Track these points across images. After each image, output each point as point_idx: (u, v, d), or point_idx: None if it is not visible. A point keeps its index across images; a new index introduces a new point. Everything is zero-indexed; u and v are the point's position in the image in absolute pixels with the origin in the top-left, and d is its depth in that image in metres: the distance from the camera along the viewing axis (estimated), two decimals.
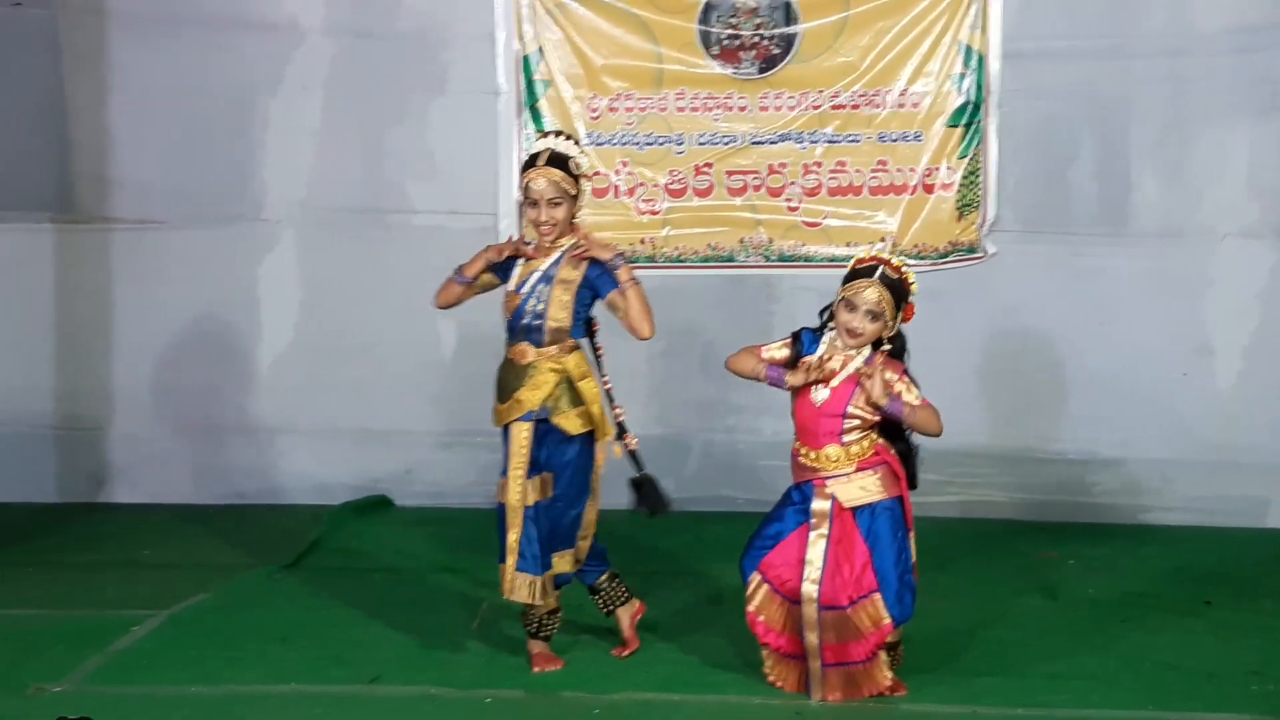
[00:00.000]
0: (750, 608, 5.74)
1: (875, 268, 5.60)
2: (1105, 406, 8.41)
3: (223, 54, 8.74)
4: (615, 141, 8.62)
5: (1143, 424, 8.38)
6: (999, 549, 7.89)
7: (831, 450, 5.64)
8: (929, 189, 8.48)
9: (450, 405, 8.75)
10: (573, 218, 6.06)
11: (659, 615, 6.67)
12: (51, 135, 8.86)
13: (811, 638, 5.58)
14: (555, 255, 6.01)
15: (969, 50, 8.39)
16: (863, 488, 5.65)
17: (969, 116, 8.43)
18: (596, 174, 8.61)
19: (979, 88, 8.41)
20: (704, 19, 8.52)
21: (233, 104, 8.77)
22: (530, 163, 6.01)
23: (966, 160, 8.45)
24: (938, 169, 8.47)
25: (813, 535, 5.62)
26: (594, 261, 6.00)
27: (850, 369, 5.61)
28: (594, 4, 8.54)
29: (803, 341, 5.74)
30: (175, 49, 8.74)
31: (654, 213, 8.63)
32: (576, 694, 5.77)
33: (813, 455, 5.68)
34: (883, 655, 5.66)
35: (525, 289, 5.96)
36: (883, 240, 8.35)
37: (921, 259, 8.34)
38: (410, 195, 8.69)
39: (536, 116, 8.61)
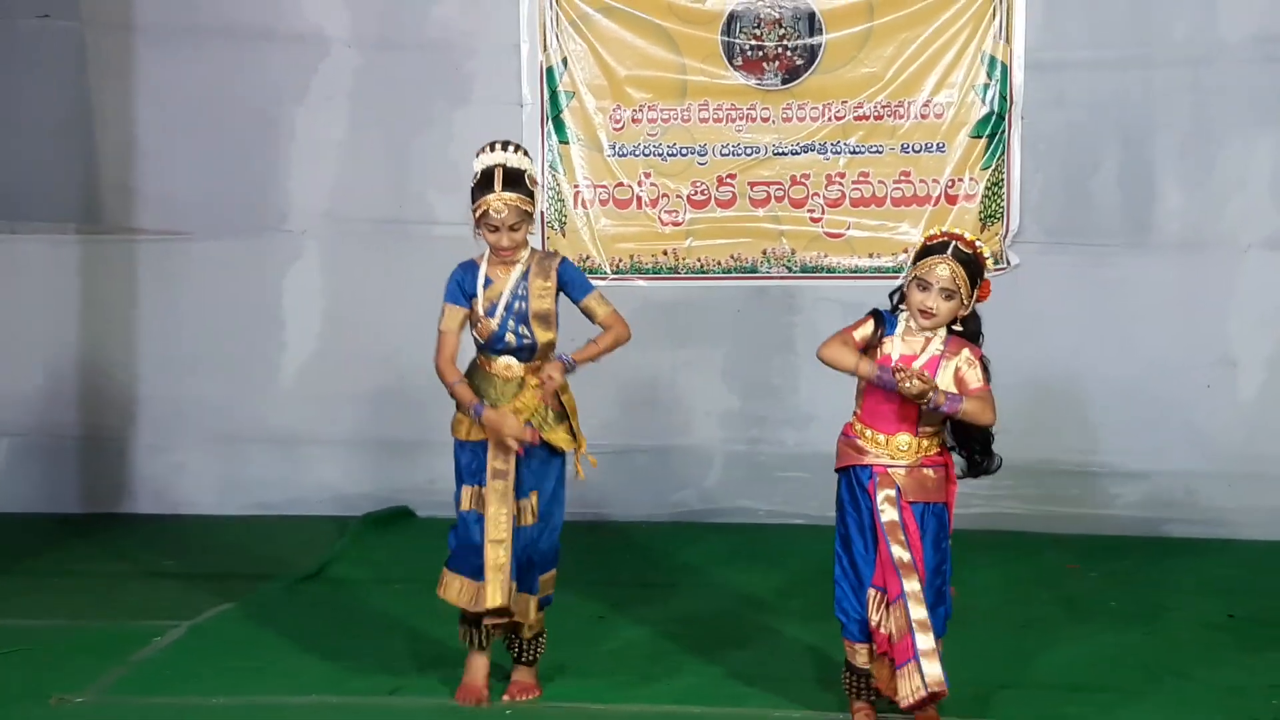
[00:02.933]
0: (874, 625, 5.30)
1: (947, 243, 5.25)
2: (1128, 418, 8.38)
3: (248, 65, 8.77)
4: (638, 152, 8.63)
5: (1166, 436, 8.35)
6: (1021, 561, 7.87)
7: (904, 439, 5.26)
8: (952, 200, 8.47)
9: None
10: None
11: (679, 627, 6.67)
12: (77, 146, 8.90)
13: (927, 640, 5.15)
14: (517, 271, 5.74)
15: (993, 61, 8.38)
16: (922, 484, 5.29)
17: (992, 127, 8.42)
18: (619, 185, 8.63)
19: (1002, 98, 8.40)
20: (727, 30, 8.53)
21: (258, 115, 8.81)
22: (486, 184, 5.65)
23: (990, 171, 8.44)
24: (961, 180, 8.46)
25: (886, 525, 5.23)
26: (564, 261, 5.83)
27: (930, 352, 5.26)
28: (618, 15, 8.55)
29: (885, 321, 5.32)
30: (201, 60, 8.78)
31: (677, 224, 8.63)
32: (596, 706, 5.75)
33: (881, 439, 5.28)
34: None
35: (498, 314, 5.70)
36: (905, 252, 8.34)
37: None
38: (434, 206, 8.68)
39: (560, 127, 8.63)
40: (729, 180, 8.60)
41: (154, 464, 9.02)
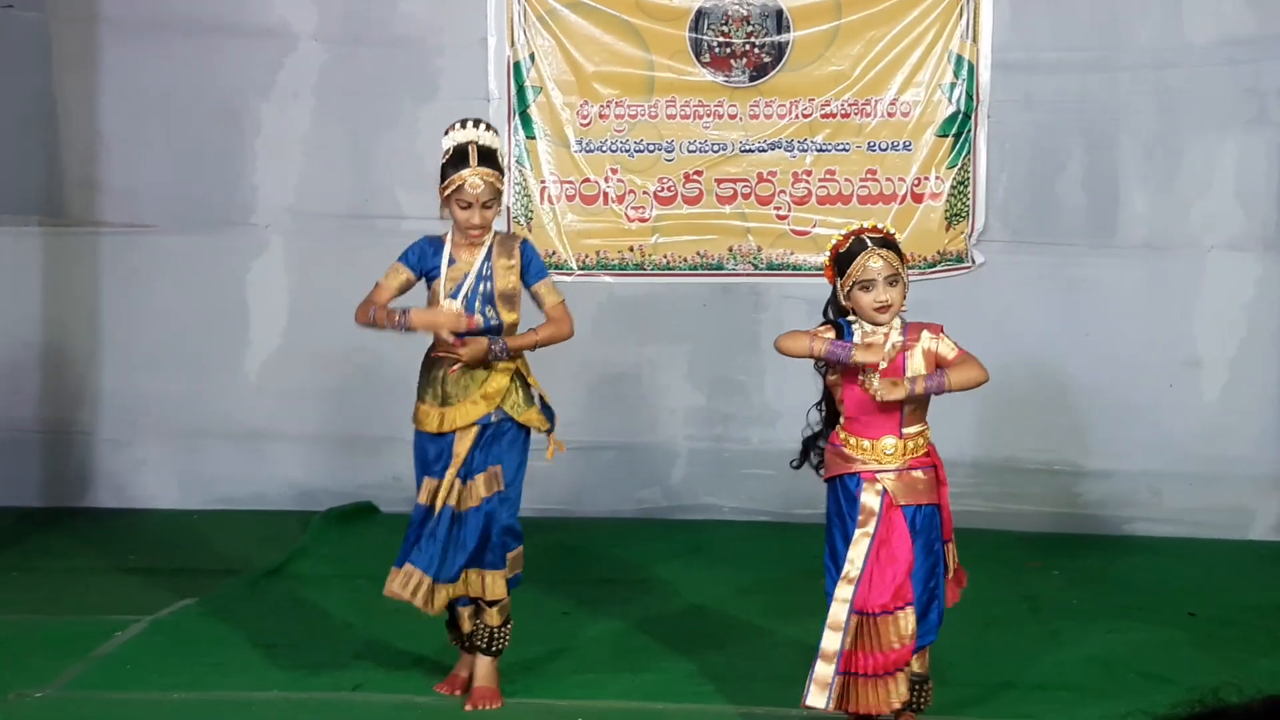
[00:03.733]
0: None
1: (861, 239, 5.20)
2: (1091, 417, 8.41)
3: (214, 59, 8.73)
4: (605, 148, 8.62)
5: (1129, 435, 8.38)
6: (984, 559, 7.80)
7: (889, 442, 5.15)
8: (918, 198, 8.48)
9: None
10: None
11: (644, 624, 6.67)
12: (41, 139, 8.85)
13: (834, 641, 5.11)
14: (481, 252, 5.68)
15: (959, 60, 8.40)
16: (912, 487, 5.19)
17: (958, 126, 8.44)
18: (586, 181, 8.62)
19: (969, 97, 8.42)
20: (695, 27, 8.52)
21: (223, 109, 8.76)
22: (461, 158, 5.56)
23: (955, 170, 8.45)
24: (927, 178, 8.48)
25: (857, 533, 5.14)
26: (526, 241, 5.79)
27: (891, 344, 5.14)
28: (586, 11, 8.53)
29: (844, 330, 5.21)
30: (166, 54, 8.74)
31: (644, 220, 8.62)
32: (561, 702, 5.75)
33: (865, 445, 5.17)
34: (901, 675, 5.17)
35: (461, 295, 5.64)
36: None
37: (910, 268, 8.29)
38: (400, 201, 8.65)
39: (527, 123, 8.61)
40: (696, 177, 8.59)
41: (116, 458, 8.97)
